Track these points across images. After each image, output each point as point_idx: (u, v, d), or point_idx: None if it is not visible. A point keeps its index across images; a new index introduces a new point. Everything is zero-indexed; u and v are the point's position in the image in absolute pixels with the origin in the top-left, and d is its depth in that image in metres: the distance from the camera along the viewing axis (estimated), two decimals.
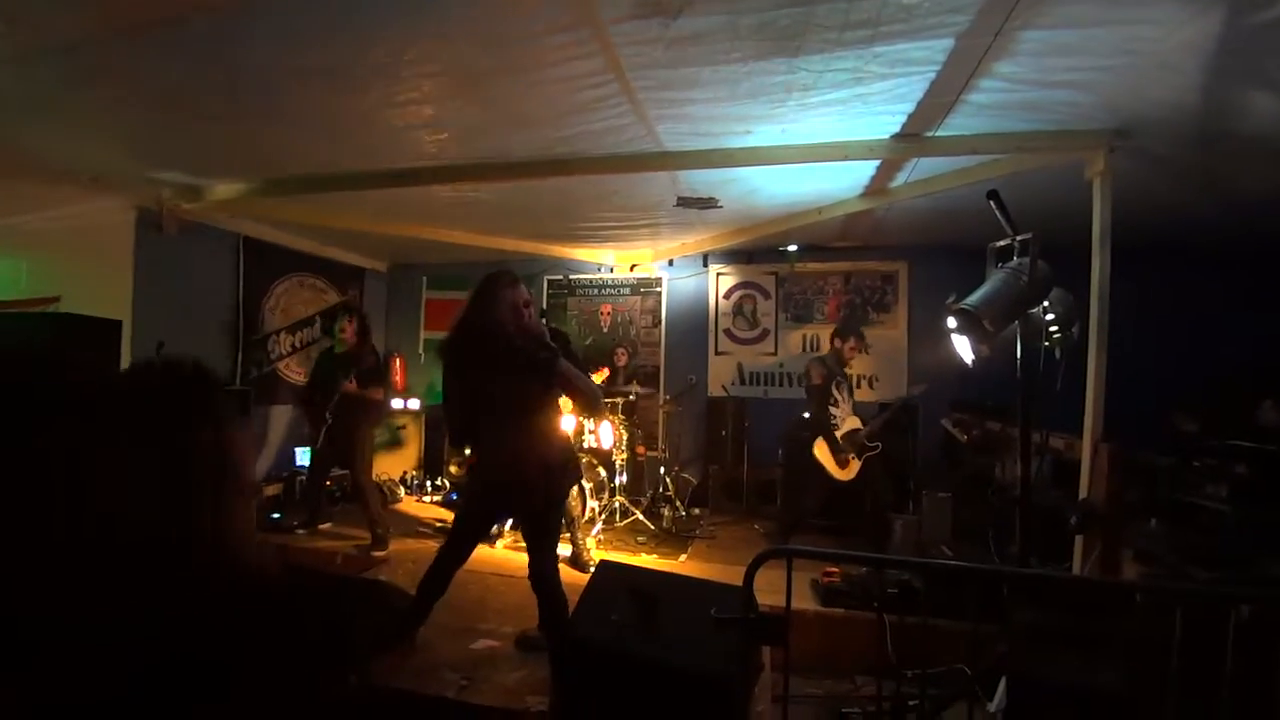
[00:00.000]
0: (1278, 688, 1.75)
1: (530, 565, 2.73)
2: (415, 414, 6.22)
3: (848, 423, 4.39)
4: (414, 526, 5.06)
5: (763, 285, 6.37)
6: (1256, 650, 1.78)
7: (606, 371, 5.32)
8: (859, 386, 5.84)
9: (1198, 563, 2.45)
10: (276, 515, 4.80)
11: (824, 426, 4.29)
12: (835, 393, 4.37)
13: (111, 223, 4.31)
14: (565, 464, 2.79)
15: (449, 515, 4.98)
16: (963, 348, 2.57)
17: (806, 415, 4.44)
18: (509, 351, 2.54)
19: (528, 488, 2.64)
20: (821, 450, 4.27)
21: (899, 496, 4.82)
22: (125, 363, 4.05)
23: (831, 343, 4.58)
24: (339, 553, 4.36)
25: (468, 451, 2.88)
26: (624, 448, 5.37)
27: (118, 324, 3.81)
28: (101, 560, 0.65)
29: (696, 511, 5.68)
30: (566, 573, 4.10)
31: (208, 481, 0.72)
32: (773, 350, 6.31)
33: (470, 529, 2.87)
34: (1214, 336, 4.84)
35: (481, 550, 4.57)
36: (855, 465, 4.30)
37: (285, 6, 2.16)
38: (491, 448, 2.73)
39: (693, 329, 6.50)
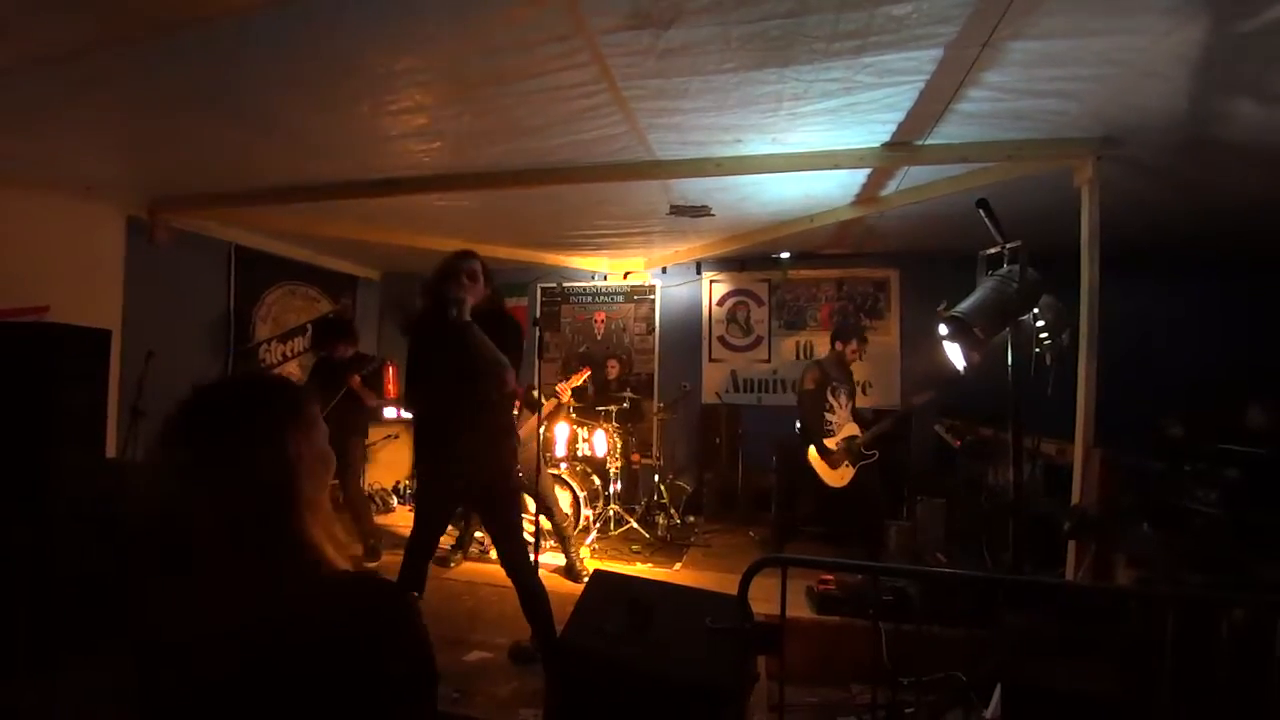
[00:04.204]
0: (1271, 691, 1.76)
1: (499, 556, 2.78)
2: (408, 423, 6.19)
3: (845, 429, 4.33)
4: (406, 537, 4.99)
5: (756, 292, 6.39)
6: (1249, 654, 1.79)
7: (588, 371, 5.27)
8: None
9: (1190, 567, 2.45)
10: None
11: (815, 434, 4.27)
12: (831, 399, 4.32)
13: (102, 231, 4.28)
14: (491, 446, 2.68)
15: None
16: (954, 355, 2.59)
17: (799, 424, 4.41)
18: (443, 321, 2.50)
19: (457, 467, 2.64)
20: (814, 457, 4.25)
21: (893, 502, 4.81)
22: (114, 373, 4.02)
23: (832, 346, 4.49)
24: None
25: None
26: (618, 455, 5.35)
27: (107, 334, 3.76)
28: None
29: (691, 519, 5.67)
30: (560, 583, 4.13)
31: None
32: (766, 357, 6.33)
33: (425, 511, 2.84)
34: (1202, 341, 4.87)
35: (473, 562, 4.57)
36: (849, 472, 4.27)
37: (278, 16, 2.16)
38: (426, 421, 2.71)
39: (686, 336, 6.51)
